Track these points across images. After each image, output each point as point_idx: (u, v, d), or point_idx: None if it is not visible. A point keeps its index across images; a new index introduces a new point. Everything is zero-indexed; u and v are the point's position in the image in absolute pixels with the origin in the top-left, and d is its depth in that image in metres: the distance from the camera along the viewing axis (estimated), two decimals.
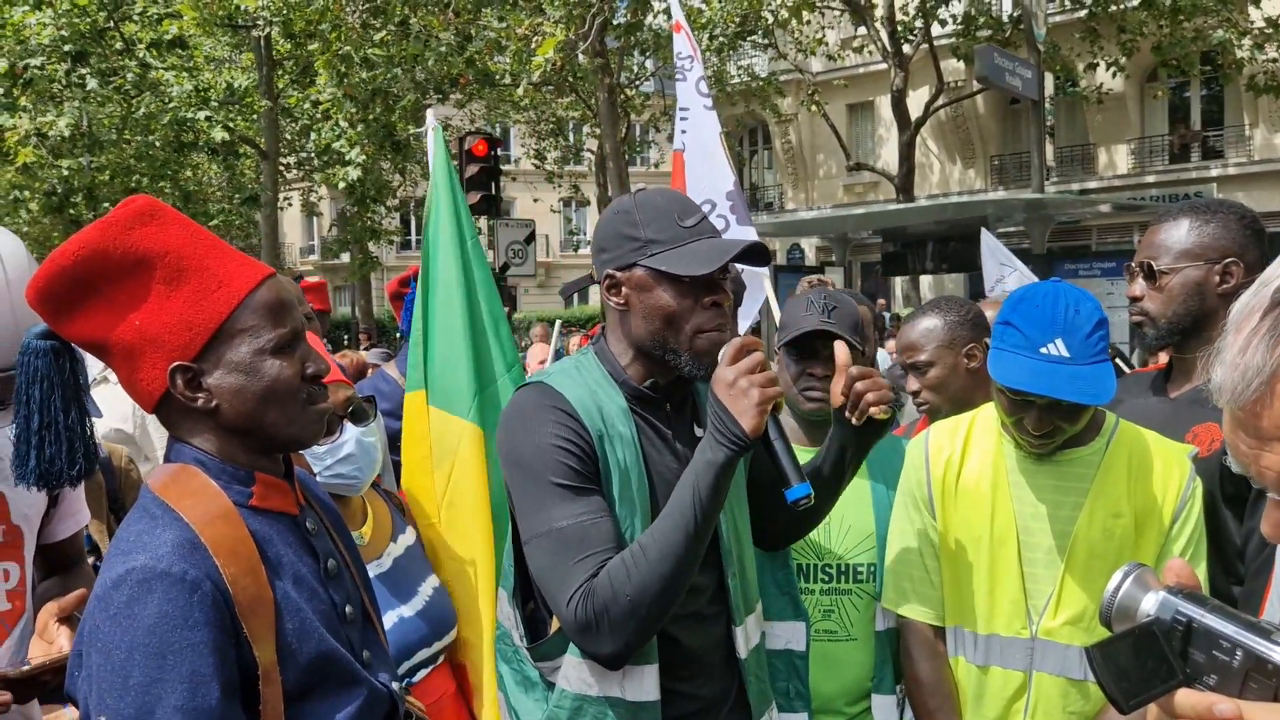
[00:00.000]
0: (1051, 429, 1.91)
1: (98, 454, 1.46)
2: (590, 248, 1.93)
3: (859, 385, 1.82)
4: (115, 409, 2.90)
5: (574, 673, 1.77)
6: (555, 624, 1.80)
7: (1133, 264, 2.25)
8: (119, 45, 15.51)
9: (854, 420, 1.85)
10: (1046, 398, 1.85)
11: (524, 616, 1.88)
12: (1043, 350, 1.85)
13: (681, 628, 1.79)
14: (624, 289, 1.79)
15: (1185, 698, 0.88)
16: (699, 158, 3.81)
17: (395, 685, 1.52)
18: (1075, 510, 1.96)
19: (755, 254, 1.81)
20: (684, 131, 3.84)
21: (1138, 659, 0.91)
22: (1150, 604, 0.94)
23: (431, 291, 2.63)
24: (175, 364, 1.33)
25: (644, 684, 1.75)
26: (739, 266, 3.82)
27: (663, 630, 1.74)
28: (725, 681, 1.87)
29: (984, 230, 6.01)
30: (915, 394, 2.67)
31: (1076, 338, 1.86)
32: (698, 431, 1.88)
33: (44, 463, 1.38)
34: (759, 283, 3.83)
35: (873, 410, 1.82)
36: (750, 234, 3.79)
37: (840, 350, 1.90)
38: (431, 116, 3.10)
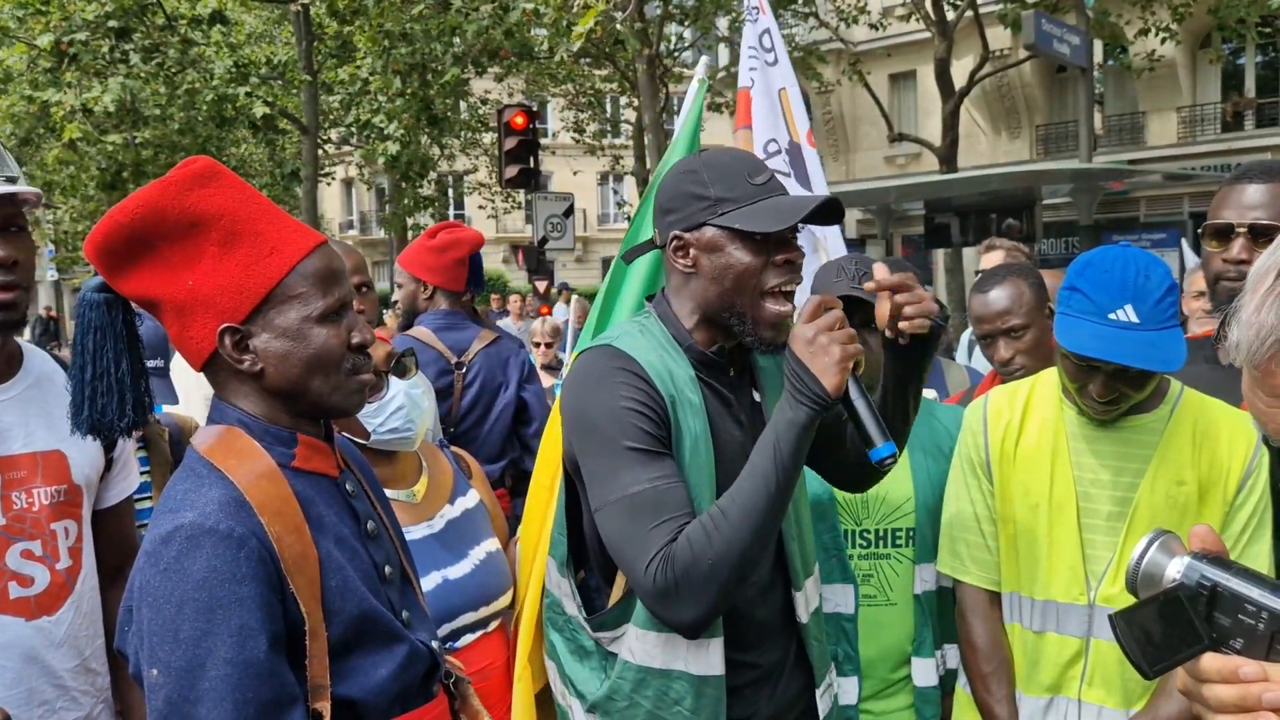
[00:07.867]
0: (1117, 395, 1.86)
1: (150, 408, 1.47)
2: (653, 211, 1.85)
3: (898, 298, 1.67)
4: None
5: (638, 645, 1.72)
6: (615, 594, 1.75)
7: (1236, 226, 2.08)
8: (161, 21, 15.63)
9: (898, 339, 1.71)
10: (1115, 364, 1.79)
11: (576, 585, 1.83)
12: (1111, 316, 1.79)
13: (745, 597, 1.74)
14: (692, 250, 1.72)
15: (1211, 661, 0.89)
16: (764, 104, 3.74)
17: (434, 644, 1.53)
18: (1137, 477, 1.91)
19: (830, 211, 1.73)
20: (752, 69, 3.75)
21: (1163, 624, 0.92)
22: (1175, 569, 0.94)
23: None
24: (224, 325, 1.35)
25: (710, 658, 1.70)
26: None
27: None
28: (784, 647, 1.83)
29: None
30: (1008, 361, 2.54)
31: (1147, 303, 1.79)
32: (756, 397, 1.84)
33: (96, 413, 1.40)
34: (812, 244, 3.77)
35: (905, 325, 1.67)
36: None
37: (879, 269, 1.74)
38: (702, 68, 2.96)
